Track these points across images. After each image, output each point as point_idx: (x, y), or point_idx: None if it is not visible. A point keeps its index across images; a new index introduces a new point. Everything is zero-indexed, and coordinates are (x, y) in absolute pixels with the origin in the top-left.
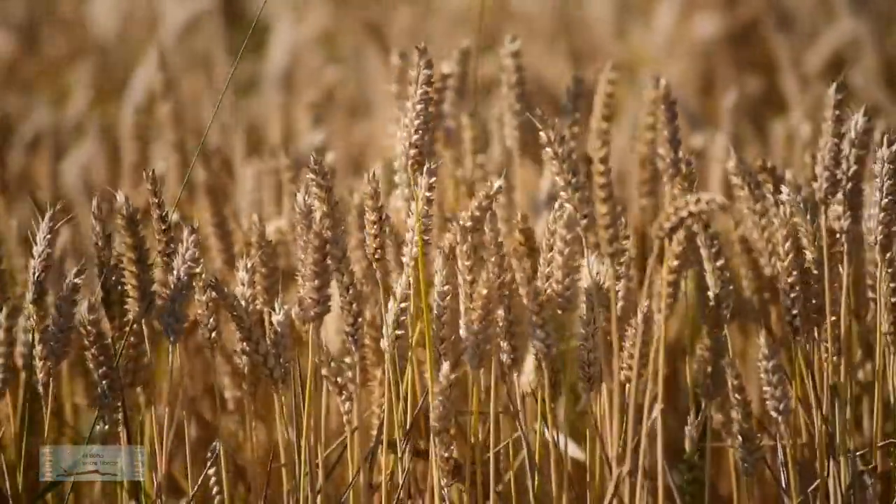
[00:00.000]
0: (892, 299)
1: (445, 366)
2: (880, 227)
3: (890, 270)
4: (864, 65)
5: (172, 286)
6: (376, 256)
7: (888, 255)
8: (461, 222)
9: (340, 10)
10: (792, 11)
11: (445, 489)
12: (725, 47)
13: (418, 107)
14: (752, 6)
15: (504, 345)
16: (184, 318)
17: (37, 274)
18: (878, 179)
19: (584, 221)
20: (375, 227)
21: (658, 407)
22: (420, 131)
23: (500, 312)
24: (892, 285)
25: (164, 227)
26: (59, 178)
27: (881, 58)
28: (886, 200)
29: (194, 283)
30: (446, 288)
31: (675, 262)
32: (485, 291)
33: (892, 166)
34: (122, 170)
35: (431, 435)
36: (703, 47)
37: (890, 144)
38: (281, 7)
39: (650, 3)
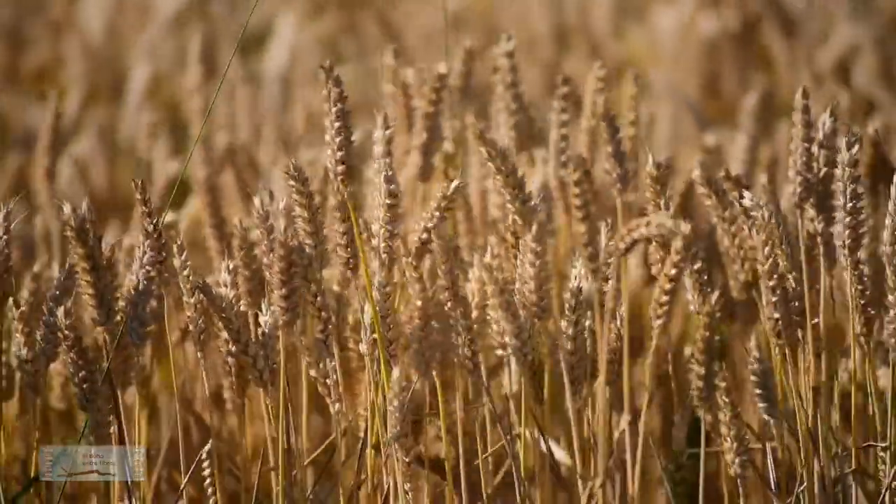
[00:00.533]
0: (862, 301)
1: (396, 371)
2: (847, 231)
3: (857, 273)
4: (867, 66)
5: (132, 291)
6: (350, 266)
7: (854, 257)
8: (422, 223)
9: (346, 9)
10: (794, 13)
11: (410, 493)
12: (728, 48)
13: (336, 124)
14: (754, 7)
15: (465, 350)
16: (148, 322)
17: None
18: (840, 183)
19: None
20: (345, 237)
21: (626, 418)
22: (343, 148)
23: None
24: (859, 287)
25: (155, 235)
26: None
27: (884, 58)
28: (850, 204)
29: (183, 286)
30: (387, 290)
31: (674, 271)
32: (419, 302)
33: (852, 170)
34: (121, 168)
35: (388, 439)
36: (705, 47)
37: (849, 148)
38: (285, 5)
39: (654, 3)
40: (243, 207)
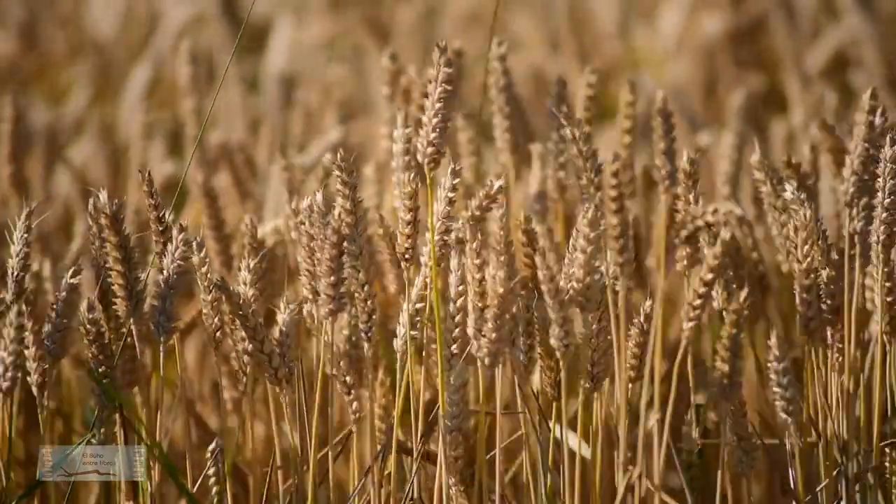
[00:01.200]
0: (888, 298)
1: (460, 365)
2: (882, 227)
3: (886, 270)
4: (867, 64)
5: (162, 285)
6: (406, 256)
7: (887, 253)
8: (467, 221)
9: (343, 11)
10: (795, 10)
11: (454, 489)
12: (727, 46)
13: (437, 105)
14: (754, 5)
15: (520, 344)
16: (175, 318)
17: (15, 273)
18: (880, 179)
19: (604, 222)
20: (409, 227)
21: (655, 414)
22: (438, 129)
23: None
24: (887, 284)
25: (160, 228)
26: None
27: (883, 57)
28: (888, 200)
29: (201, 283)
30: (461, 288)
31: (710, 276)
32: (500, 290)
33: (894, 166)
34: (123, 168)
35: (441, 435)
36: (705, 46)
37: (892, 145)
38: (282, 7)
39: (654, 2)
40: (241, 208)
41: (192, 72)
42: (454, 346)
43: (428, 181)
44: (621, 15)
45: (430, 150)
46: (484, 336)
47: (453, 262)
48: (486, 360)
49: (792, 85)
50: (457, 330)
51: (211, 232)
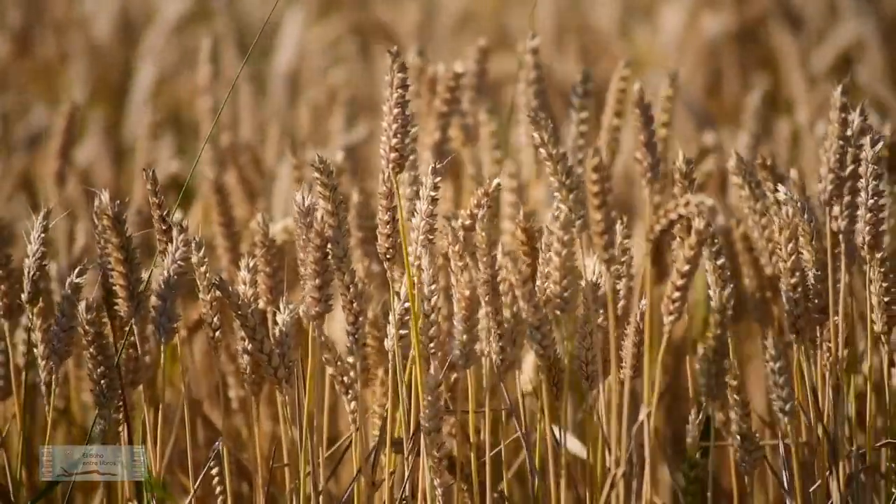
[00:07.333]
0: (885, 298)
1: (434, 365)
2: (867, 228)
3: (882, 270)
4: (870, 64)
5: (162, 286)
6: (388, 256)
7: (879, 254)
8: (459, 221)
9: (348, 10)
10: (798, 11)
11: (439, 489)
12: (731, 47)
13: (395, 111)
14: (757, 6)
15: (494, 345)
16: (175, 318)
17: (32, 273)
18: (863, 180)
19: (580, 222)
20: (388, 227)
21: (647, 410)
22: (399, 135)
23: (490, 312)
24: (883, 284)
25: (164, 228)
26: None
27: (886, 57)
28: (872, 201)
29: (200, 283)
30: (433, 287)
31: (686, 267)
32: (467, 292)
33: (876, 167)
34: (125, 168)
35: (422, 435)
36: (707, 47)
37: (873, 145)
38: (288, 7)
39: (656, 2)
40: (248, 206)
41: (211, 70)
42: (430, 346)
43: (395, 184)
44: (621, 15)
45: (392, 155)
46: (454, 337)
47: (424, 261)
48: (458, 360)
49: (797, 84)
50: (432, 329)
51: (221, 229)
